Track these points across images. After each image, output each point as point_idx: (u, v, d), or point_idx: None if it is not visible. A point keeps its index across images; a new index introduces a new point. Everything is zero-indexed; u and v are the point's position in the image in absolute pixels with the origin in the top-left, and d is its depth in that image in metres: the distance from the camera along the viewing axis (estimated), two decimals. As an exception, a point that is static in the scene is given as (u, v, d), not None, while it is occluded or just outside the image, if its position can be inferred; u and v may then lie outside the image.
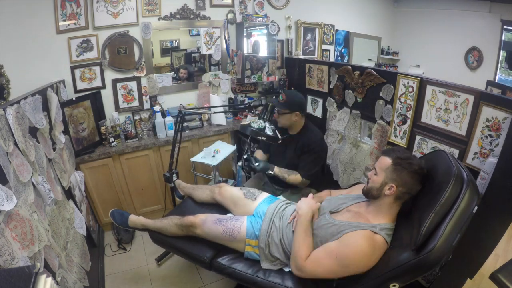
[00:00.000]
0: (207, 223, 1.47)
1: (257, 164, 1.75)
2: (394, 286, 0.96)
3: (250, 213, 1.55)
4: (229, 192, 1.71)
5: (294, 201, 1.68)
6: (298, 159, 1.84)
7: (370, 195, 1.20)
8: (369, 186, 1.21)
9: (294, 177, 1.79)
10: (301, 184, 1.82)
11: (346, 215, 1.24)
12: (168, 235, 1.59)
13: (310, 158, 1.82)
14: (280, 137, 1.61)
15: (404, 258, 0.95)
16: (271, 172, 1.76)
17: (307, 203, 1.34)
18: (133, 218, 1.71)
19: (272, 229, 1.39)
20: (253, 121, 1.56)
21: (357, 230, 1.12)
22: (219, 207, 1.76)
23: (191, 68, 2.81)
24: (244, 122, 1.72)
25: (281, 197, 1.73)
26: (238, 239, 1.41)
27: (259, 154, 2.05)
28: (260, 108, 2.17)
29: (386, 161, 1.15)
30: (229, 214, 1.66)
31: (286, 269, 1.35)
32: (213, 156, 2.25)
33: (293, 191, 1.93)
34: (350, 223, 1.17)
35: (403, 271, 0.93)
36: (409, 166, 1.10)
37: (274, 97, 1.66)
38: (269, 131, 1.57)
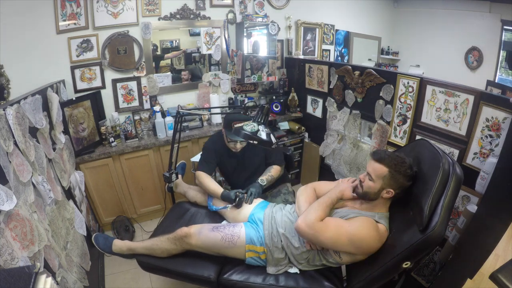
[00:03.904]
0: (203, 231, 1.42)
1: (246, 192, 1.67)
2: (406, 264, 1.06)
3: (244, 219, 1.55)
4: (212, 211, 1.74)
5: (278, 203, 1.70)
6: (264, 155, 1.89)
7: (367, 198, 1.25)
8: (365, 191, 1.24)
9: (275, 171, 1.84)
10: (281, 172, 1.90)
11: (345, 208, 1.32)
12: (159, 256, 1.48)
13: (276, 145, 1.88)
14: (274, 141, 1.53)
15: (412, 238, 1.04)
16: (263, 185, 1.73)
17: (346, 186, 1.34)
18: (118, 243, 1.60)
19: (275, 233, 1.39)
20: (246, 124, 1.48)
21: (359, 216, 1.20)
22: (210, 215, 1.76)
23: (195, 70, 2.81)
24: (238, 124, 1.65)
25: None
26: (239, 245, 1.39)
27: (202, 176, 1.78)
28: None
29: (383, 169, 1.18)
30: (224, 222, 1.66)
31: (291, 271, 1.36)
32: (213, 156, 2.24)
33: (273, 194, 1.95)
34: (352, 211, 1.26)
35: (414, 249, 1.03)
36: (405, 172, 1.17)
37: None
38: (263, 135, 1.47)
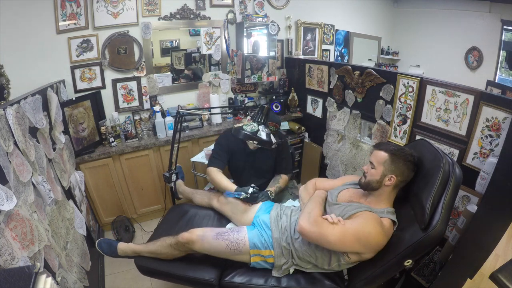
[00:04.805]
0: (206, 238, 1.38)
1: (249, 194, 1.64)
2: (408, 262, 1.07)
3: (248, 222, 1.55)
4: (227, 198, 1.73)
5: (285, 197, 1.76)
6: (275, 161, 1.89)
7: (370, 188, 1.26)
8: (368, 179, 1.27)
9: (283, 181, 1.85)
10: (289, 181, 1.92)
11: (352, 202, 1.31)
12: (164, 259, 1.48)
13: (288, 154, 1.90)
14: (274, 141, 1.53)
15: (414, 236, 1.06)
16: (272, 197, 1.72)
17: None
18: (122, 246, 1.60)
19: (282, 237, 1.38)
20: (246, 124, 1.47)
21: (366, 210, 1.20)
22: (210, 217, 1.76)
23: (197, 70, 2.81)
24: (238, 124, 1.62)
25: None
26: (244, 252, 1.37)
27: (214, 172, 1.80)
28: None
29: (383, 154, 1.24)
30: (228, 226, 1.65)
31: (291, 270, 1.35)
32: (213, 156, 2.24)
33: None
34: (358, 205, 1.25)
35: (416, 247, 1.04)
36: (404, 157, 1.21)
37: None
38: (263, 135, 1.46)
